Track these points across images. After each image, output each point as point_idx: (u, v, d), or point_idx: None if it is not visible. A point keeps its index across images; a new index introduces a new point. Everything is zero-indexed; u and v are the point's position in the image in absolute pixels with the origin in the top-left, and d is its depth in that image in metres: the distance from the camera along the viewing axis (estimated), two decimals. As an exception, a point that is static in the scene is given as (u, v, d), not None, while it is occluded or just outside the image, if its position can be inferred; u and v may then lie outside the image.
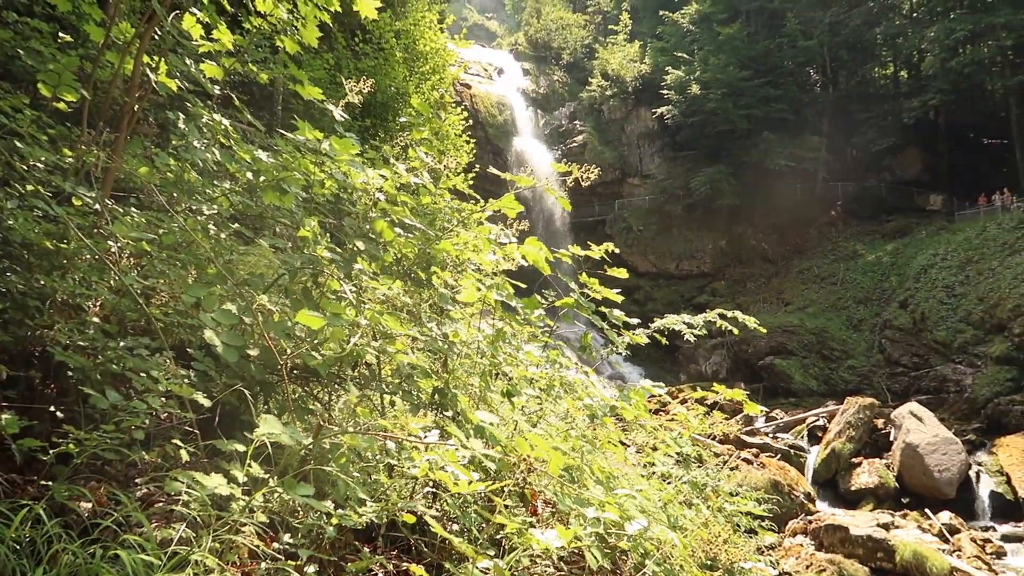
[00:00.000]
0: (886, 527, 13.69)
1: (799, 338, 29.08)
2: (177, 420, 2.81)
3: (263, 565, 2.17)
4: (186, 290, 2.66)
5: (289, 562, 2.21)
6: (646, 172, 42.78)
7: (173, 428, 2.84)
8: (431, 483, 2.84)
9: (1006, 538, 14.90)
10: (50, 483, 2.34)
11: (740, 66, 37.58)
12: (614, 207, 41.49)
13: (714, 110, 36.99)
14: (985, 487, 16.73)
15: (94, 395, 2.45)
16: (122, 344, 2.85)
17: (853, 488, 17.20)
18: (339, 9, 3.81)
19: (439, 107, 15.51)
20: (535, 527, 2.61)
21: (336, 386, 3.26)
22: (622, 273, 3.96)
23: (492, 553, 2.69)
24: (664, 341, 4.99)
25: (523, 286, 4.03)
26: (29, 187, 3.08)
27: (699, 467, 6.08)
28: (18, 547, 1.95)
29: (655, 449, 5.37)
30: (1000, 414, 20.48)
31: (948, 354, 25.46)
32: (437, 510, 2.78)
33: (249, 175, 3.42)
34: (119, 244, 3.30)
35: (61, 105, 3.57)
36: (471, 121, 18.54)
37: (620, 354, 4.73)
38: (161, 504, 2.49)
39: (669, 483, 5.16)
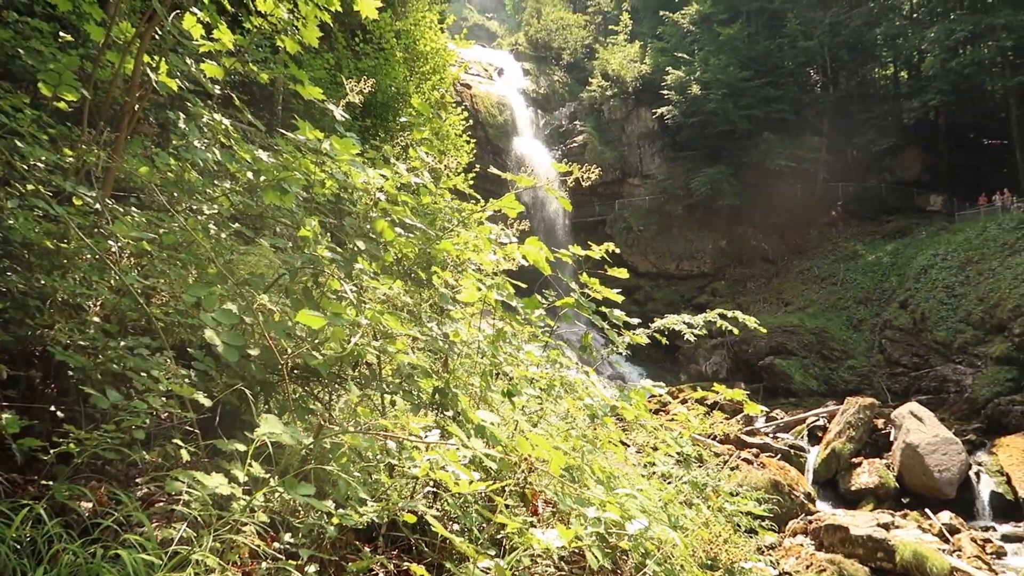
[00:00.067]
0: (886, 527, 13.68)
1: (799, 338, 29.09)
2: (178, 420, 2.81)
3: (264, 565, 2.17)
4: (186, 290, 2.66)
5: (290, 562, 2.21)
6: (646, 172, 42.78)
7: (174, 428, 2.84)
8: (432, 483, 2.83)
9: (1006, 538, 14.89)
10: (51, 483, 2.34)
11: (740, 66, 37.59)
12: (614, 207, 41.50)
13: (714, 110, 37.00)
14: (985, 487, 16.73)
15: (95, 395, 2.45)
16: (123, 344, 2.85)
17: (853, 488, 17.19)
18: (340, 9, 3.81)
19: (439, 107, 15.52)
20: (536, 527, 2.61)
21: (337, 386, 3.26)
22: (622, 273, 3.96)
23: (493, 553, 2.68)
24: (664, 341, 4.99)
25: (523, 286, 4.03)
26: (29, 187, 3.08)
27: (699, 467, 6.08)
28: (19, 547, 1.95)
29: (655, 449, 5.37)
30: (1000, 414, 20.48)
31: (948, 354, 25.46)
32: (438, 510, 2.78)
33: (249, 175, 3.42)
34: (119, 244, 3.30)
35: (61, 105, 3.57)
36: (471, 121, 18.55)
37: (620, 354, 4.73)
38: (162, 504, 2.49)
39: (669, 483, 5.16)
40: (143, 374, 2.64)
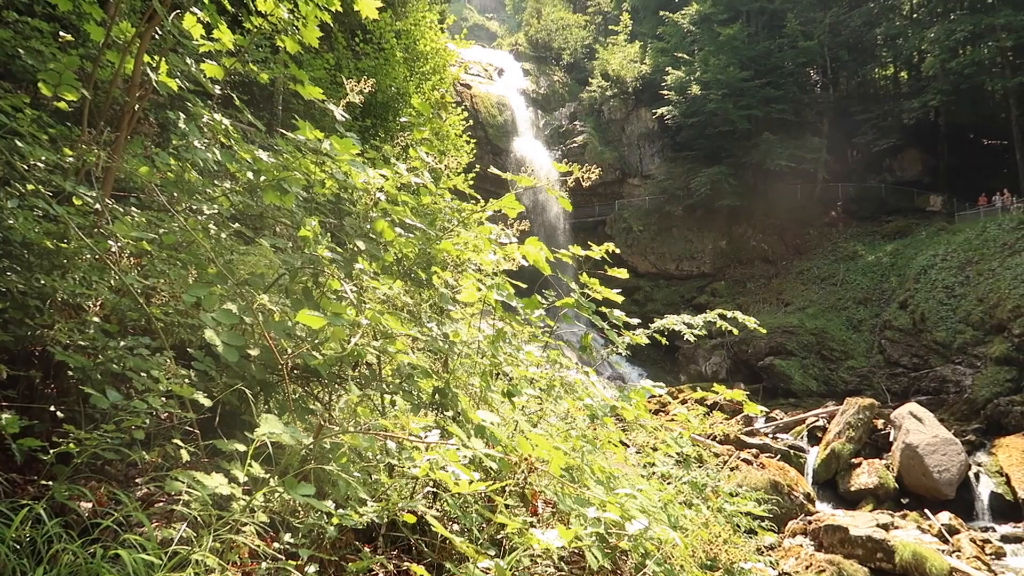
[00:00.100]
0: (886, 527, 13.69)
1: (799, 339, 29.10)
2: (177, 420, 2.81)
3: (264, 565, 2.17)
4: (186, 290, 2.65)
5: (290, 562, 2.20)
6: (646, 172, 42.79)
7: (173, 428, 2.84)
8: (431, 483, 2.83)
9: (1005, 539, 14.90)
10: (50, 483, 2.34)
11: (740, 67, 37.59)
12: (614, 207, 41.51)
13: (714, 111, 37.00)
14: (985, 488, 16.74)
15: (94, 395, 2.45)
16: (122, 344, 2.85)
17: (853, 488, 17.20)
18: (340, 9, 3.81)
19: (439, 107, 15.52)
20: (535, 527, 2.61)
21: (337, 386, 3.26)
22: (622, 273, 3.95)
23: (493, 553, 2.69)
24: (664, 342, 4.99)
25: (524, 286, 4.03)
26: (29, 186, 3.08)
27: (699, 467, 6.08)
28: (18, 547, 1.95)
29: (655, 449, 5.37)
30: (1000, 415, 20.48)
31: (948, 355, 25.47)
32: (437, 510, 2.78)
33: (250, 175, 3.42)
34: (119, 244, 3.30)
35: (62, 104, 3.57)
36: (471, 121, 18.55)
37: (620, 354, 4.73)
38: (162, 504, 2.49)
39: (669, 483, 5.16)
40: (143, 374, 2.64)
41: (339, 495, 2.46)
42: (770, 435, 20.90)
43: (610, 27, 49.48)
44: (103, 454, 2.43)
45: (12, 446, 2.41)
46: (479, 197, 5.06)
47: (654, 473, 5.28)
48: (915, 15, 39.30)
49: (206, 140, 3.51)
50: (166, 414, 2.85)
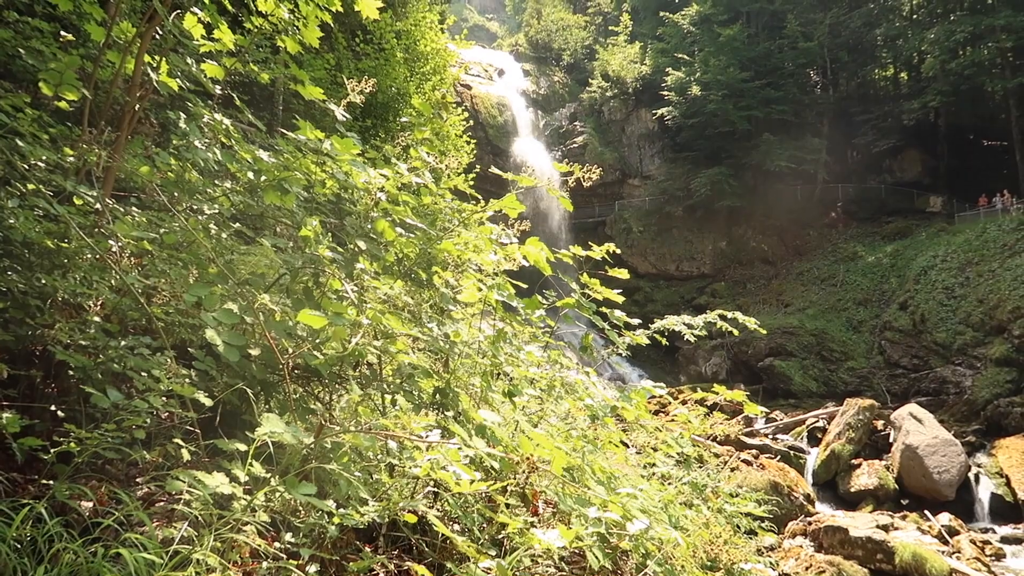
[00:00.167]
0: (885, 528, 13.69)
1: (799, 339, 29.10)
2: (178, 419, 2.81)
3: (265, 564, 2.17)
4: (187, 289, 2.65)
5: (291, 561, 2.20)
6: (646, 173, 42.80)
7: (174, 427, 2.84)
8: (432, 483, 2.83)
9: (1005, 540, 14.90)
10: (51, 482, 2.34)
11: (740, 67, 37.60)
12: (614, 208, 41.52)
13: (714, 111, 37.01)
14: (984, 489, 16.74)
15: (95, 394, 2.45)
16: (123, 343, 2.85)
17: (853, 489, 17.20)
18: (340, 9, 3.81)
19: (440, 107, 15.52)
20: (536, 527, 2.61)
21: (337, 386, 3.26)
22: (623, 274, 3.95)
23: (493, 553, 2.68)
24: (664, 342, 4.99)
25: (524, 286, 4.03)
26: (30, 186, 3.08)
27: (700, 468, 6.07)
28: (19, 546, 1.94)
29: (656, 450, 5.37)
30: (1000, 416, 20.48)
31: (948, 356, 25.47)
32: (438, 510, 2.78)
33: (250, 175, 3.42)
34: (120, 243, 3.30)
35: (62, 104, 3.57)
36: (471, 122, 18.56)
37: (621, 355, 4.73)
38: (162, 503, 2.49)
39: (670, 484, 5.16)
40: (144, 374, 2.64)
41: (340, 495, 2.46)
42: (770, 436, 20.90)
43: (610, 28, 49.50)
44: (104, 453, 2.43)
45: (13, 445, 2.41)
46: (479, 197, 5.06)
47: (654, 473, 5.28)
48: (915, 16, 39.32)
49: (207, 140, 3.51)
50: (167, 413, 2.85)
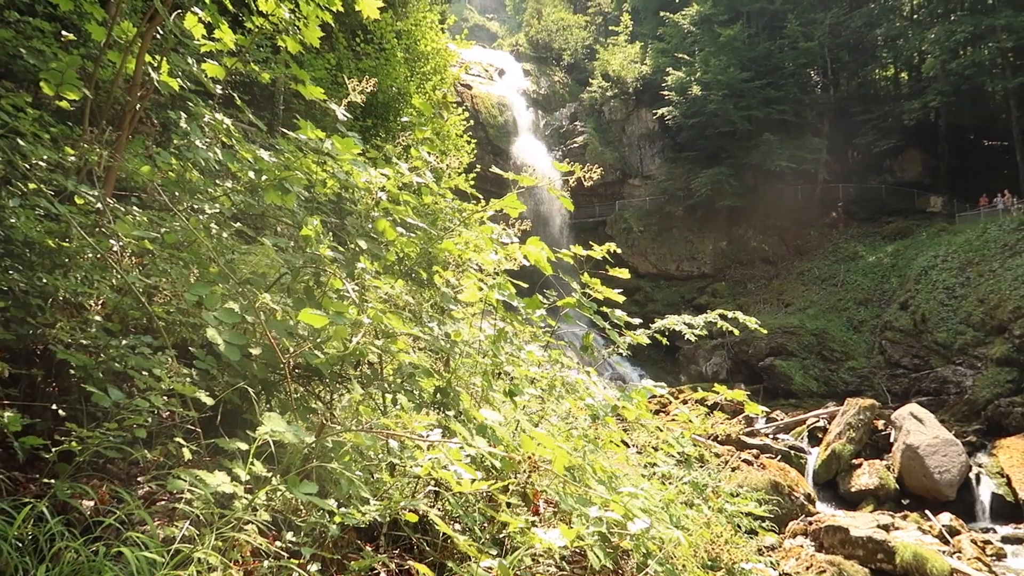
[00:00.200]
0: (886, 528, 13.68)
1: (799, 339, 29.10)
2: (179, 418, 2.81)
3: (266, 563, 2.17)
4: (188, 289, 2.65)
5: (292, 560, 2.21)
6: (647, 173, 42.81)
7: (175, 426, 2.84)
8: (433, 482, 2.83)
9: (1006, 540, 14.90)
10: (52, 481, 2.34)
11: (741, 67, 37.60)
12: (615, 208, 41.53)
13: (715, 111, 37.01)
14: (985, 489, 16.73)
15: (96, 393, 2.45)
16: (124, 342, 2.85)
17: (853, 489, 17.19)
18: (341, 9, 3.81)
19: (441, 107, 15.52)
20: (537, 526, 2.61)
21: (338, 385, 3.26)
22: (624, 273, 3.95)
23: (495, 552, 2.68)
24: (665, 342, 4.99)
25: (525, 286, 4.03)
26: (31, 186, 3.08)
27: (701, 467, 6.07)
28: (21, 545, 1.95)
29: (656, 449, 5.37)
30: (1000, 416, 20.47)
31: (948, 356, 25.46)
32: (439, 509, 2.78)
33: (251, 174, 3.42)
34: (121, 243, 3.30)
35: (63, 104, 3.57)
36: (472, 122, 18.57)
37: (622, 354, 4.73)
38: (164, 502, 2.49)
39: (670, 483, 5.15)
40: (145, 373, 2.64)
41: (341, 494, 2.46)
42: (771, 436, 20.89)
43: (610, 28, 49.51)
44: (105, 452, 2.43)
45: (14, 444, 2.41)
46: (480, 197, 5.06)
47: (655, 473, 5.28)
48: (915, 16, 39.31)
49: (207, 140, 3.52)
50: (168, 413, 2.85)
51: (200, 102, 3.81)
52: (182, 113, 3.56)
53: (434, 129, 14.23)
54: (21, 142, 3.12)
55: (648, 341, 4.62)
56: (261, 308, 2.67)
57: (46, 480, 2.39)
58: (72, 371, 2.80)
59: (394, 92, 14.13)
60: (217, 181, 3.74)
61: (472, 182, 7.31)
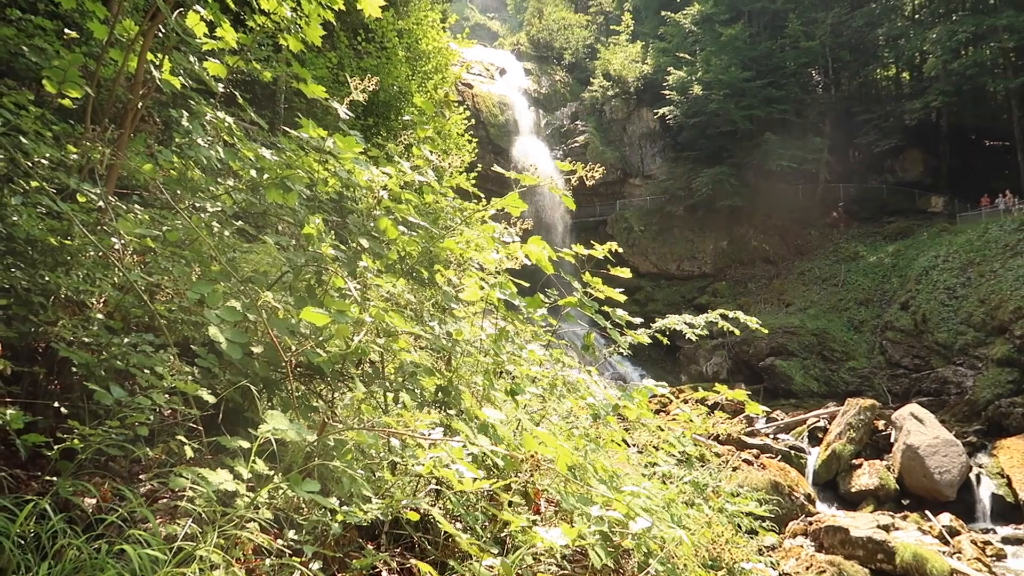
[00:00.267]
0: (886, 529, 13.68)
1: (800, 339, 29.10)
2: (181, 416, 2.81)
3: (268, 561, 2.17)
4: (190, 287, 2.66)
5: (294, 558, 2.21)
6: (647, 172, 42.80)
7: (177, 424, 2.85)
8: (434, 480, 2.84)
9: (1006, 540, 14.90)
10: (55, 478, 2.34)
11: (742, 67, 37.59)
12: (615, 207, 41.52)
13: (716, 111, 37.00)
14: (985, 489, 16.73)
15: (98, 391, 2.45)
16: (126, 340, 2.85)
17: (853, 489, 17.19)
18: (342, 8, 3.81)
19: (442, 106, 15.53)
20: (539, 525, 2.61)
21: (340, 383, 3.26)
22: (625, 273, 3.95)
23: (496, 551, 2.69)
24: (665, 342, 4.98)
25: (526, 285, 4.03)
26: (33, 183, 3.08)
27: (701, 467, 6.07)
28: (23, 542, 1.95)
29: (657, 449, 5.37)
30: (1001, 416, 20.47)
31: (949, 356, 25.46)
32: (441, 508, 2.78)
33: (253, 173, 3.42)
34: (123, 241, 3.30)
35: (65, 102, 3.57)
36: (473, 121, 18.57)
37: (623, 354, 4.73)
38: (166, 500, 2.50)
39: (671, 483, 5.16)
40: (147, 371, 2.65)
41: (343, 492, 2.46)
42: (771, 435, 20.89)
43: (612, 27, 49.49)
44: (107, 450, 2.44)
45: (16, 442, 2.41)
46: (481, 196, 5.06)
47: (656, 473, 5.28)
48: (917, 16, 39.29)
49: (209, 138, 3.52)
50: (170, 411, 2.85)
51: (202, 100, 3.81)
52: (184, 111, 3.56)
53: (435, 128, 14.23)
54: (23, 140, 3.13)
55: (649, 341, 4.62)
56: (263, 306, 2.67)
57: (48, 477, 2.39)
58: (74, 369, 2.80)
59: (395, 91, 14.13)
60: (219, 179, 3.74)
61: (473, 181, 7.32)
